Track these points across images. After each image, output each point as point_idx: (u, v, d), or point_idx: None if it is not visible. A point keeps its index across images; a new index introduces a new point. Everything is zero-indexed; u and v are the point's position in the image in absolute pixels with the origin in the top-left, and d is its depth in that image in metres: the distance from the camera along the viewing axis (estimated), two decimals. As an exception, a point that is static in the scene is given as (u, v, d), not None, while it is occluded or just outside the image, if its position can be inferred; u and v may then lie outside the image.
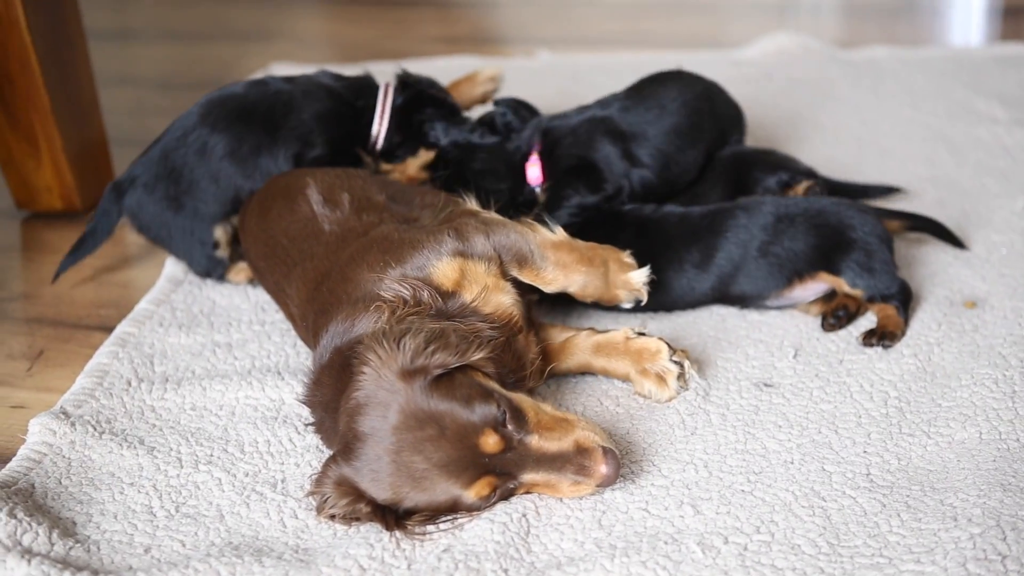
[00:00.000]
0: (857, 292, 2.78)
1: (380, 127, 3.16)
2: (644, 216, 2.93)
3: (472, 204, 2.73)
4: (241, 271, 3.13)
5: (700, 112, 3.15)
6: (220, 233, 3.10)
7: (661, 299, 2.85)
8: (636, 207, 2.97)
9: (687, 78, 3.24)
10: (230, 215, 3.11)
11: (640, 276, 2.67)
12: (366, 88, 3.21)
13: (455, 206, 2.76)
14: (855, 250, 2.78)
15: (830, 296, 2.84)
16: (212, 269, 3.12)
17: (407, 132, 3.18)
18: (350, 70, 3.28)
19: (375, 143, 3.17)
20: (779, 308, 2.88)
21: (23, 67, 3.44)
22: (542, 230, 2.62)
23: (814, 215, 2.83)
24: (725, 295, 2.86)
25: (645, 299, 2.68)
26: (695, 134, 3.12)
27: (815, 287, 2.83)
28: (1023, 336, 2.72)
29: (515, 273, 2.56)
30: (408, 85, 3.21)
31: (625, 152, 3.04)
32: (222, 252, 3.12)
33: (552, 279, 2.60)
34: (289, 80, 3.18)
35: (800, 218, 2.82)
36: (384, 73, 3.34)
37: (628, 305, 2.71)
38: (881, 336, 2.72)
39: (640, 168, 3.04)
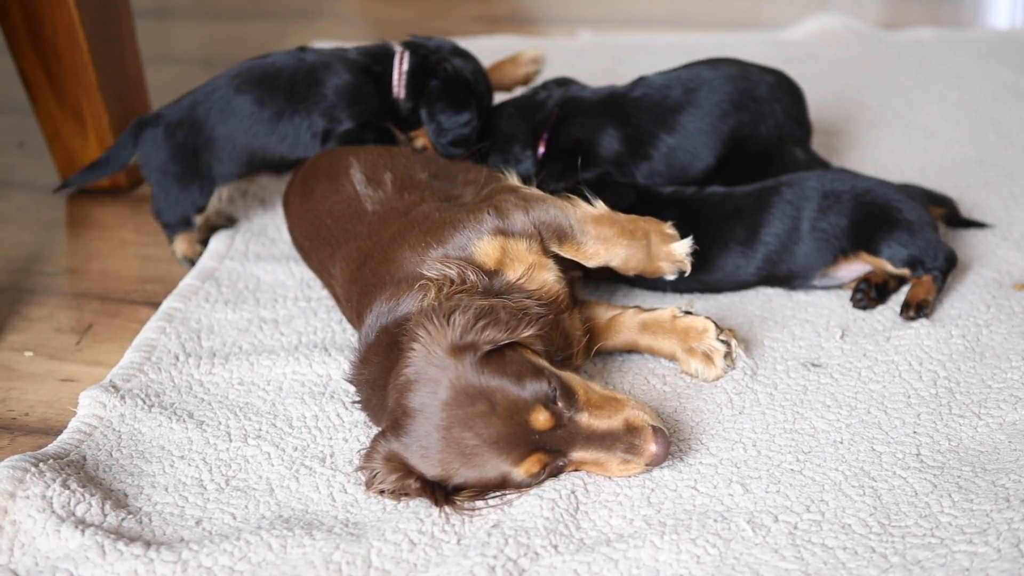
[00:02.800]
0: (903, 271, 2.77)
1: (397, 94, 3.17)
2: (686, 197, 2.91)
3: (514, 179, 2.72)
4: (186, 241, 3.22)
5: (729, 103, 3.08)
6: (215, 198, 3.19)
7: (707, 279, 2.84)
8: (678, 189, 2.95)
9: (728, 67, 3.16)
10: (238, 177, 3.21)
11: (683, 247, 2.64)
12: (383, 55, 3.21)
13: (496, 182, 2.75)
14: (899, 230, 2.77)
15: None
16: (179, 226, 3.20)
17: (416, 97, 3.18)
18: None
19: (398, 98, 3.18)
20: (825, 288, 2.86)
21: (71, 43, 3.45)
22: (583, 204, 2.59)
23: (861, 193, 2.81)
24: (772, 274, 2.84)
25: (688, 270, 2.66)
26: (716, 124, 3.08)
27: (859, 267, 2.82)
28: (1074, 318, 2.70)
29: (556, 249, 2.54)
30: (416, 49, 3.20)
31: (629, 138, 3.05)
32: (199, 218, 3.21)
33: (593, 253, 2.58)
34: (318, 52, 3.21)
35: (847, 195, 2.81)
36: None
37: (672, 277, 2.68)
38: (918, 308, 2.72)
39: (645, 160, 3.05)
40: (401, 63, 3.16)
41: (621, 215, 2.62)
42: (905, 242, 2.76)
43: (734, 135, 3.06)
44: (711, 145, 3.05)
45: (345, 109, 3.11)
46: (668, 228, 2.66)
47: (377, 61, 3.18)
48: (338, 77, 3.12)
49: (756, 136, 3.08)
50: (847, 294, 2.84)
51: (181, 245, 3.21)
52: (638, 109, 3.07)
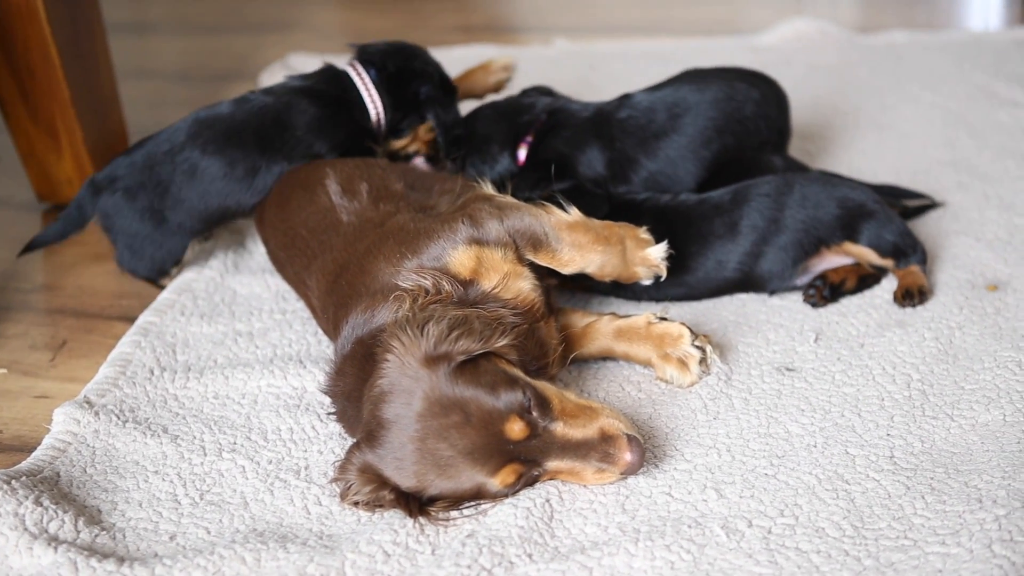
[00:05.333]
0: (887, 261, 2.81)
1: (376, 109, 3.14)
2: (661, 204, 2.91)
3: (488, 188, 2.72)
4: (167, 278, 3.16)
5: (713, 129, 3.06)
6: (190, 251, 3.16)
7: (689, 279, 2.85)
8: (652, 195, 2.95)
9: (715, 89, 3.11)
10: (205, 232, 3.18)
11: (658, 251, 2.65)
12: (334, 77, 3.17)
13: (471, 191, 2.75)
14: (874, 218, 2.81)
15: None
16: (160, 275, 3.15)
17: (405, 106, 3.16)
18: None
19: (379, 126, 3.16)
20: (803, 287, 2.87)
21: (44, 60, 3.44)
22: (556, 211, 2.59)
23: (832, 188, 2.86)
24: (753, 270, 2.84)
25: (664, 274, 2.66)
26: (699, 150, 3.06)
27: (839, 260, 2.85)
28: (1046, 319, 2.72)
29: (531, 256, 2.54)
30: (370, 59, 3.17)
31: (612, 162, 3.03)
32: (176, 269, 3.16)
33: (568, 260, 2.58)
34: (268, 92, 3.13)
35: (821, 190, 2.84)
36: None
37: (648, 282, 2.69)
38: (920, 293, 2.78)
39: (625, 183, 3.04)
40: (364, 82, 3.13)
41: (596, 221, 2.62)
42: (889, 232, 2.80)
43: (717, 159, 3.05)
44: (692, 171, 3.04)
45: (323, 141, 3.08)
46: (643, 233, 2.66)
47: (332, 84, 3.14)
48: (306, 114, 3.07)
49: (739, 155, 3.08)
50: (821, 299, 2.86)
51: (165, 281, 3.16)
52: (623, 132, 3.04)
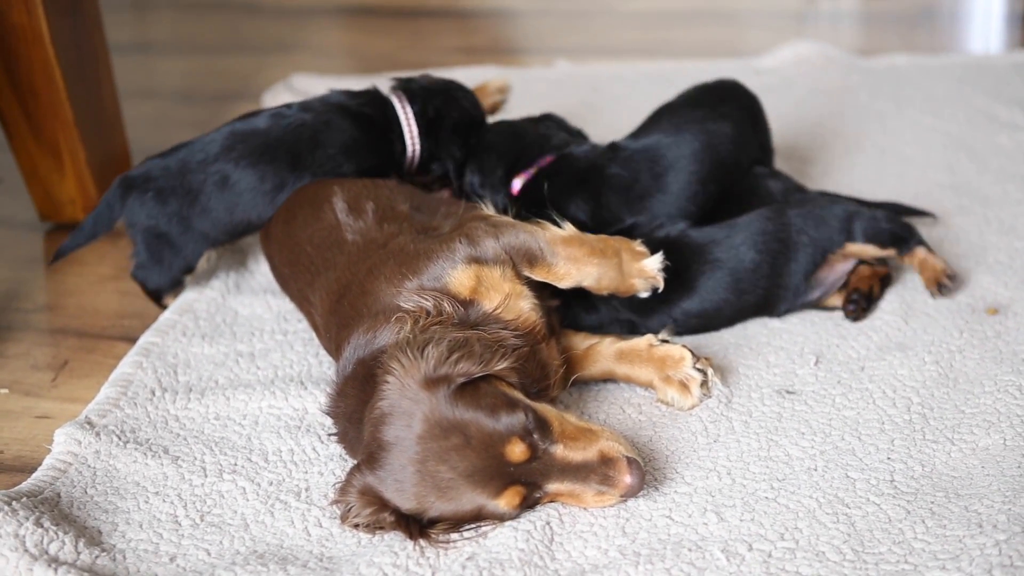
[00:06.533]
0: (889, 251, 2.84)
1: (413, 145, 3.13)
2: (659, 238, 2.89)
3: (487, 209, 2.73)
4: (171, 297, 3.15)
5: (696, 182, 3.00)
6: (205, 259, 3.12)
7: (700, 309, 2.83)
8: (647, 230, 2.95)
9: (690, 142, 3.04)
10: (224, 243, 3.15)
11: (654, 263, 2.65)
12: (385, 105, 3.16)
13: (471, 211, 2.76)
14: (862, 216, 2.85)
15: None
16: (169, 287, 3.13)
17: (440, 149, 3.16)
18: (371, 81, 3.26)
19: (412, 161, 3.15)
20: (813, 302, 2.89)
21: (47, 80, 3.46)
22: (551, 227, 2.61)
23: (823, 201, 2.93)
24: (769, 291, 2.85)
25: (661, 286, 2.67)
26: (685, 205, 3.01)
27: (843, 268, 2.87)
28: (1047, 342, 2.72)
29: (527, 272, 2.55)
30: (414, 92, 3.17)
31: (594, 215, 2.99)
32: (190, 277, 3.15)
33: (565, 273, 2.58)
34: (307, 108, 3.11)
35: (814, 205, 2.89)
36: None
37: (645, 294, 2.69)
38: (949, 278, 2.85)
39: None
40: (407, 115, 3.13)
41: (590, 235, 2.64)
42: (882, 222, 2.84)
43: (703, 207, 3.01)
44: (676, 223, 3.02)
45: (353, 164, 3.06)
46: (638, 246, 2.67)
47: (376, 109, 3.14)
48: (344, 134, 3.06)
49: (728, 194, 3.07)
50: (820, 321, 2.86)
51: (169, 299, 3.15)
52: (609, 189, 2.99)
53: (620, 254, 2.64)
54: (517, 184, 3.05)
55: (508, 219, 2.62)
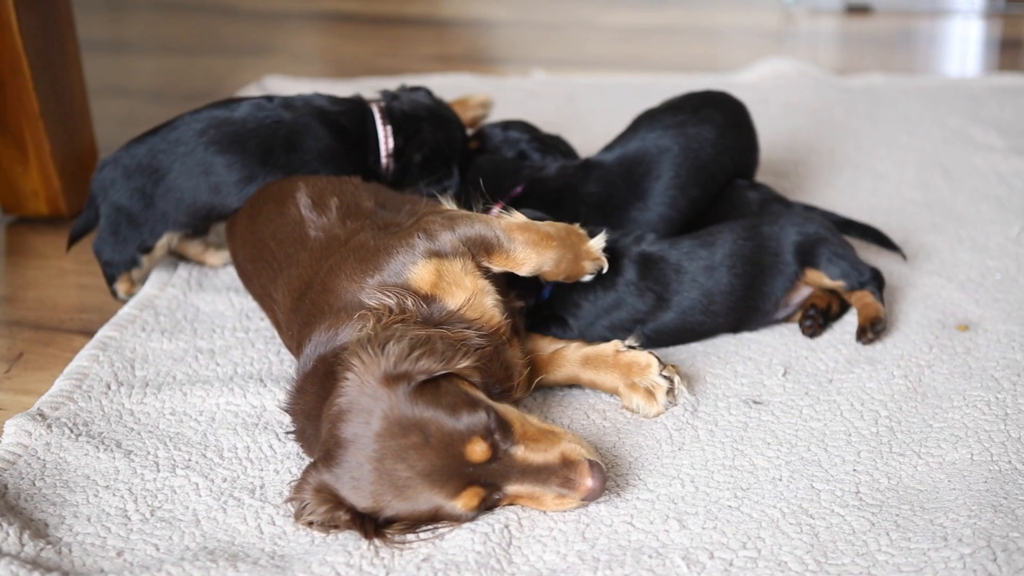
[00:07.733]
0: (837, 283, 2.79)
1: (387, 159, 3.12)
2: (638, 252, 2.86)
3: (447, 204, 2.70)
4: (128, 280, 3.11)
5: (676, 188, 2.99)
6: (163, 242, 3.08)
7: (673, 328, 2.80)
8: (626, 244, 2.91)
9: (672, 139, 3.03)
10: (187, 228, 3.10)
11: (598, 242, 2.67)
12: (366, 116, 3.13)
13: (430, 207, 2.73)
14: (827, 243, 2.81)
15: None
16: (123, 268, 3.08)
17: (406, 176, 3.15)
18: (345, 86, 3.23)
19: (385, 172, 3.13)
20: (784, 319, 2.87)
21: (13, 71, 3.41)
22: (504, 216, 2.60)
23: (797, 219, 2.87)
24: (747, 305, 2.81)
25: (606, 266, 2.68)
26: (665, 212, 3.00)
27: (805, 291, 2.84)
28: (1016, 359, 2.69)
29: (487, 263, 2.53)
30: (396, 114, 3.14)
31: None
32: (146, 260, 3.10)
33: (524, 259, 2.56)
34: (288, 106, 3.09)
35: (788, 223, 2.84)
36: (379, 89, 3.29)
37: (590, 277, 2.70)
38: (872, 325, 2.75)
39: None
40: (385, 130, 3.11)
41: (541, 223, 2.62)
42: (838, 254, 2.80)
43: (685, 213, 3.00)
44: (662, 231, 2.97)
45: (329, 171, 3.04)
46: (579, 228, 2.68)
47: (355, 120, 3.11)
48: (320, 142, 3.05)
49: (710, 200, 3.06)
50: (789, 332, 2.83)
51: (123, 284, 3.11)
52: (586, 207, 2.98)
53: (571, 237, 2.64)
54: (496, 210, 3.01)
55: (463, 211, 2.60)
